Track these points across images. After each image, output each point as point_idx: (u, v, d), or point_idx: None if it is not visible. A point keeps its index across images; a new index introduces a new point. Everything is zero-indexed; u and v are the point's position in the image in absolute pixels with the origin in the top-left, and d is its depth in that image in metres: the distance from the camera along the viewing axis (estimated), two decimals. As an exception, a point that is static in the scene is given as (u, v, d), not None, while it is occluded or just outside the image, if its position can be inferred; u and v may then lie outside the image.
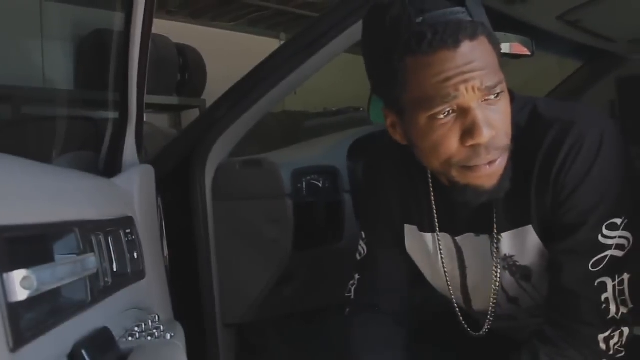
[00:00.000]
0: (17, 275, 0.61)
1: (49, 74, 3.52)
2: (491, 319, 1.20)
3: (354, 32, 1.60)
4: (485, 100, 0.97)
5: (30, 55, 3.46)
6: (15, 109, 3.38)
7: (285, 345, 1.98)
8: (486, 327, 1.21)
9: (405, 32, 0.96)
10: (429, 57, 0.95)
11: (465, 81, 0.94)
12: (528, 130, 1.07)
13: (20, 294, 0.61)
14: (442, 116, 0.97)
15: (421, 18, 0.95)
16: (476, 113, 0.96)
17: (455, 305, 1.24)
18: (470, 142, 0.97)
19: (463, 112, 0.96)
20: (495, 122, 0.98)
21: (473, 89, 0.95)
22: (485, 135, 0.96)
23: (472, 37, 0.94)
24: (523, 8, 1.75)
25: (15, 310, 0.61)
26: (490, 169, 1.00)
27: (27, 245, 0.70)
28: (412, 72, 0.97)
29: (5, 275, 0.61)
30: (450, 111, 0.97)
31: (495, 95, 0.97)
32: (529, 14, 1.83)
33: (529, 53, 1.86)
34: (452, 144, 0.98)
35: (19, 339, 0.62)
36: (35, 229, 0.74)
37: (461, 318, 1.23)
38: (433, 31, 0.94)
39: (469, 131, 0.96)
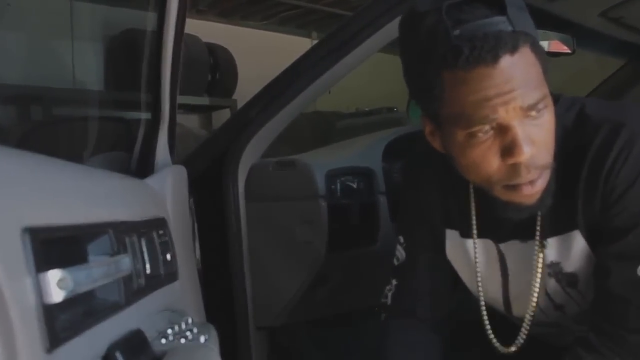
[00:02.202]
0: (53, 276, 0.60)
1: (80, 75, 3.55)
2: (528, 326, 1.16)
3: (388, 31, 1.58)
4: (527, 116, 0.93)
5: (62, 55, 3.48)
6: (48, 109, 3.41)
7: (318, 348, 1.96)
8: (524, 333, 1.17)
9: (441, 46, 0.92)
10: (466, 73, 0.91)
11: (505, 103, 0.90)
12: (575, 132, 1.03)
13: (56, 295, 0.60)
14: (480, 134, 0.94)
15: (458, 31, 0.90)
16: (516, 131, 0.92)
17: (485, 316, 1.20)
18: (510, 161, 0.93)
19: (503, 129, 0.93)
20: (537, 138, 0.94)
21: (514, 109, 0.91)
22: (525, 153, 0.92)
23: (513, 50, 0.90)
24: (564, 5, 1.71)
25: (51, 311, 0.60)
26: (532, 189, 0.97)
27: (62, 246, 0.69)
28: (448, 88, 0.93)
29: (41, 276, 0.60)
30: (489, 129, 0.93)
31: (537, 111, 0.93)
32: (570, 11, 1.79)
33: (569, 51, 1.83)
34: (492, 162, 0.95)
35: (55, 340, 0.61)
36: (69, 230, 0.73)
37: (490, 331, 1.19)
38: (471, 46, 0.89)
39: (508, 149, 0.93)
